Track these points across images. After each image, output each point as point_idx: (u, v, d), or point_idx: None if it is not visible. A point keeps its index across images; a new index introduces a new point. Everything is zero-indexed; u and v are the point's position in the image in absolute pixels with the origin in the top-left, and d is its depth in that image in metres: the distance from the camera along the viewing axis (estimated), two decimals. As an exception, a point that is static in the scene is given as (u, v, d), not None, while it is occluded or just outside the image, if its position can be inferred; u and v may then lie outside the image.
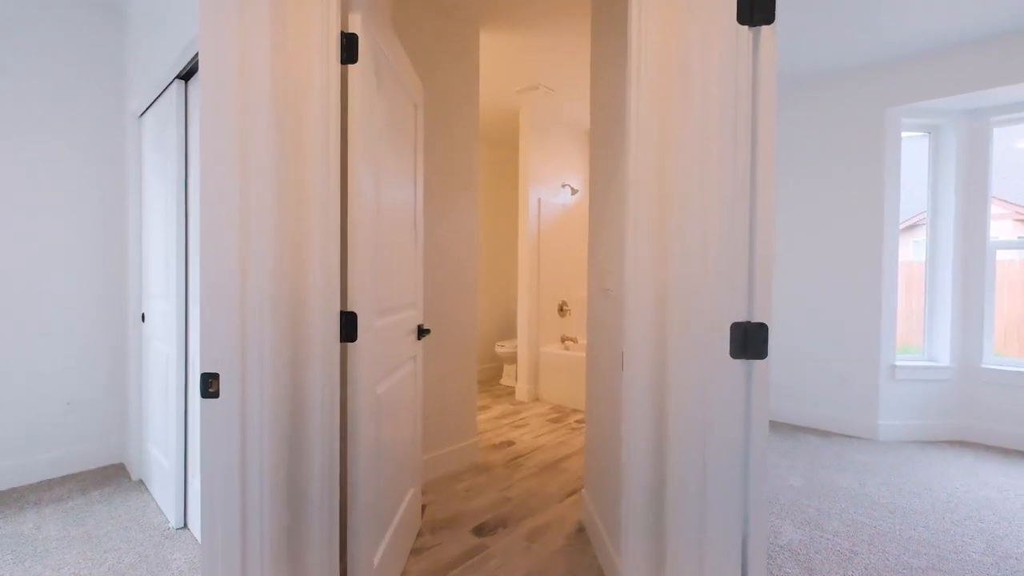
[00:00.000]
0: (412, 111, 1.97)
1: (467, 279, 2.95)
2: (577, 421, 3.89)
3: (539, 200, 4.59)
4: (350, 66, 1.35)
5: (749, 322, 1.10)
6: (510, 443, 3.34)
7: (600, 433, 2.05)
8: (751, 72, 1.13)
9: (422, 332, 2.10)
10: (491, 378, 5.39)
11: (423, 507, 2.37)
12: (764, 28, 1.12)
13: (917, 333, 3.73)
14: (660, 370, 1.22)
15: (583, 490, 2.31)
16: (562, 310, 4.88)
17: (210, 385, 1.03)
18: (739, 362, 1.10)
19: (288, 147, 1.16)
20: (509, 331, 5.73)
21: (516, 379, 4.77)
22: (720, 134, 1.11)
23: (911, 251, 4.34)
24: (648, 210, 1.23)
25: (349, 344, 1.36)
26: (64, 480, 2.58)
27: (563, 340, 4.84)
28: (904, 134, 3.51)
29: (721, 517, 1.12)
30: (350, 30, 1.35)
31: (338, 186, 1.29)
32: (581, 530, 2.18)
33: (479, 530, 2.16)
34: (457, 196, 2.87)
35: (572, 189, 4.93)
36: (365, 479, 1.45)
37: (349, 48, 1.34)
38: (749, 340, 1.10)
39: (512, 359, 4.87)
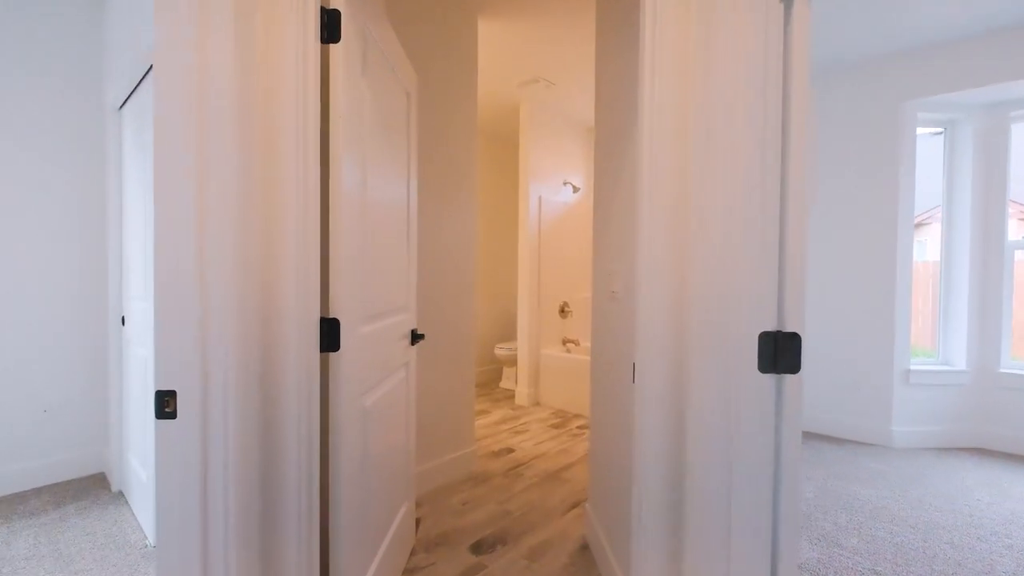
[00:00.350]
0: (405, 100, 1.84)
1: (465, 280, 2.82)
2: (579, 427, 3.76)
3: (540, 198, 4.46)
4: (331, 46, 1.22)
5: (780, 332, 0.97)
6: (510, 450, 3.21)
7: (605, 445, 1.93)
8: (781, 52, 1.00)
9: (416, 337, 1.97)
10: (490, 381, 5.27)
11: (417, 521, 2.24)
12: (797, 1, 1.00)
13: (923, 335, 3.61)
14: (677, 384, 1.09)
15: (587, 504, 2.18)
16: (563, 311, 4.75)
17: (166, 404, 0.91)
18: (768, 377, 0.98)
19: (256, 137, 1.03)
20: (509, 333, 5.60)
21: (516, 382, 4.64)
22: (747, 121, 0.98)
23: (915, 250, 4.20)
24: (664, 206, 1.10)
25: (331, 354, 1.23)
26: (39, 492, 2.45)
27: (564, 342, 4.71)
28: (918, 130, 3.38)
29: (748, 552, 1.00)
30: (331, 6, 1.22)
31: (317, 180, 1.16)
32: (585, 548, 2.05)
33: (476, 547, 2.03)
34: (454, 193, 2.74)
35: (574, 187, 4.80)
36: (349, 502, 1.32)
37: (330, 26, 1.21)
38: (780, 352, 0.97)
39: (512, 362, 4.74)
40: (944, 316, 3.45)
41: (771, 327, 0.97)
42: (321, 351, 1.20)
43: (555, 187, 4.65)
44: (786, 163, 0.98)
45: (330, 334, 1.22)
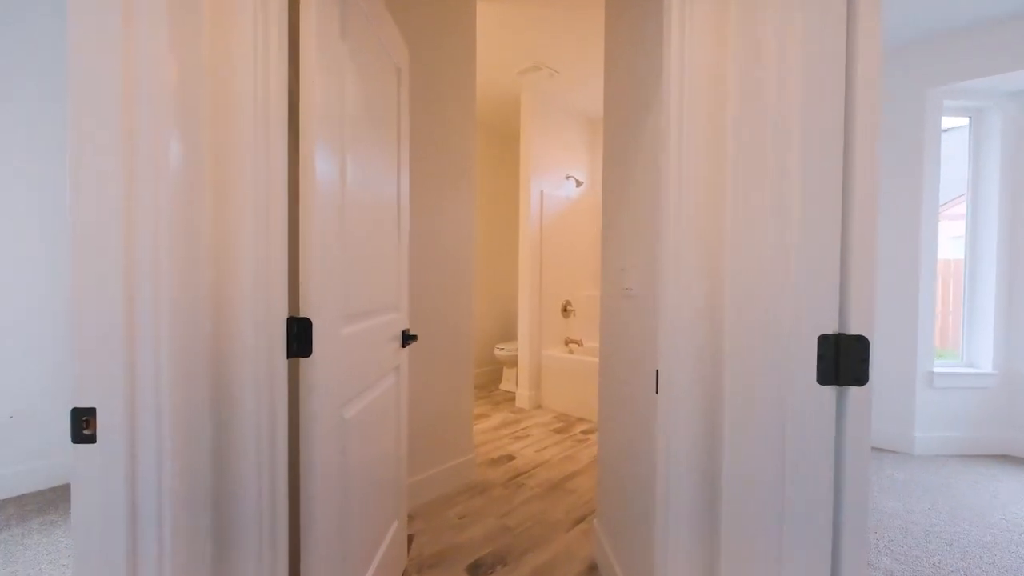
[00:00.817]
0: (394, 76, 1.66)
1: (462, 277, 2.64)
2: (583, 432, 3.58)
3: (541, 192, 4.28)
4: (301, -3, 1.04)
5: (843, 334, 0.80)
6: (510, 458, 3.03)
7: (616, 456, 1.75)
8: (845, 12, 0.83)
9: (408, 338, 1.79)
10: (490, 382, 5.09)
11: (410, 538, 2.06)
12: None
13: (940, 335, 3.43)
14: (712, 397, 0.91)
15: (594, 519, 2.01)
16: (566, 310, 4.57)
17: (85, 424, 0.73)
18: (829, 390, 0.80)
19: (203, 109, 0.85)
20: (509, 332, 5.42)
21: (516, 384, 4.46)
22: (805, 74, 0.80)
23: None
24: (695, 187, 0.93)
25: (302, 360, 1.05)
26: (3, 504, 2.28)
27: (567, 343, 4.53)
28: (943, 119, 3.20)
29: (800, 602, 0.82)
30: (301, -52, 1.04)
31: (283, 161, 0.99)
32: (593, 568, 1.88)
33: (474, 569, 1.85)
34: (452, 184, 2.56)
35: (577, 181, 4.62)
36: (325, 527, 1.14)
37: (300, -28, 1.03)
38: (843, 359, 0.79)
39: (512, 362, 4.57)
40: (968, 315, 3.27)
41: (832, 329, 0.80)
42: (289, 356, 1.02)
43: (557, 181, 4.47)
44: (850, 127, 0.80)
45: (300, 336, 1.04)
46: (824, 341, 0.79)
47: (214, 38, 0.88)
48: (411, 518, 2.24)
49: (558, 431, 3.59)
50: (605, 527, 1.86)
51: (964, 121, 3.27)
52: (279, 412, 0.97)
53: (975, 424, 3.14)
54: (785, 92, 0.81)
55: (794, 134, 0.81)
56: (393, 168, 1.69)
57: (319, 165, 1.09)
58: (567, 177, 4.56)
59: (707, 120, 0.92)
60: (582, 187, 4.71)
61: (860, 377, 0.79)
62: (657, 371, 1.03)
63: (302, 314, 1.05)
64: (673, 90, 0.97)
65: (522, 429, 3.63)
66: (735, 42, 0.88)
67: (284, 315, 0.99)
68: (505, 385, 4.81)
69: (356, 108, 1.32)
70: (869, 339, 0.79)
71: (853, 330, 0.79)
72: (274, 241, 0.96)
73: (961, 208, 3.37)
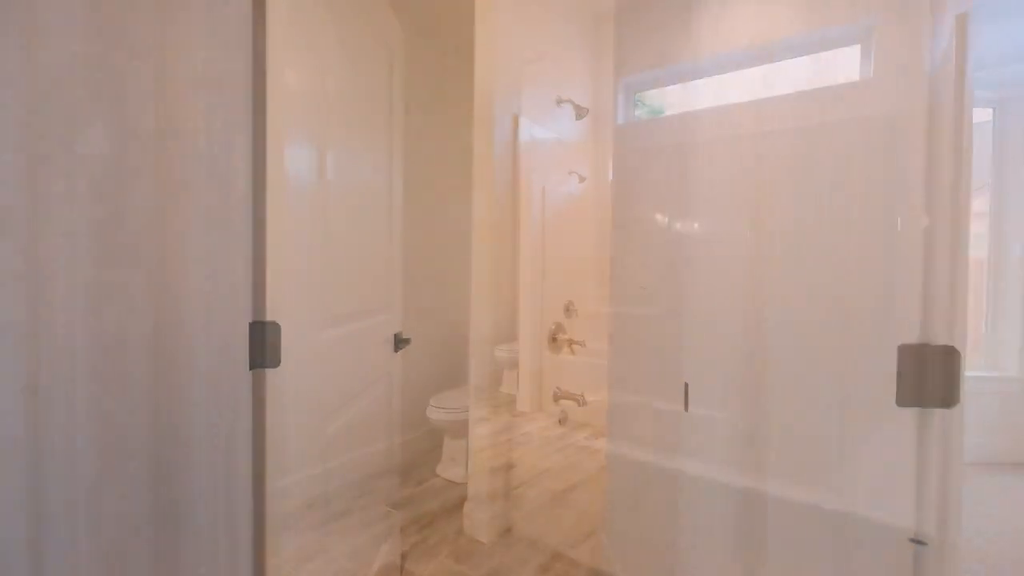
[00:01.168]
0: (385, 56, 1.51)
1: (461, 277, 2.49)
2: (586, 437, 3.43)
3: (543, 189, 4.11)
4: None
5: (927, 345, 0.64)
6: (510, 466, 2.88)
7: (627, 468, 1.60)
8: None
9: (400, 342, 1.64)
10: (488, 385, 4.93)
11: (403, 557, 1.91)
12: None
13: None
14: (754, 417, 0.76)
15: (602, 534, 1.86)
16: (568, 310, 4.41)
17: (-23, 459, 0.58)
18: (910, 413, 0.65)
19: (140, 75, 0.70)
20: (509, 333, 5.27)
21: (517, 387, 4.30)
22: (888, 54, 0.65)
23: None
24: (736, 161, 0.77)
25: (269, 371, 0.90)
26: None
27: (570, 343, 4.37)
28: (965, 109, 3.04)
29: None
30: None
31: (247, 147, 0.84)
32: (602, 591, 1.73)
33: (473, 592, 1.71)
34: (450, 180, 2.41)
35: (580, 177, 4.46)
36: (299, 558, 0.99)
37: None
38: (929, 375, 0.64)
39: (512, 364, 4.40)
40: (992, 317, 3.12)
41: (914, 339, 0.64)
42: (253, 367, 0.86)
43: (560, 177, 4.31)
44: (936, 104, 0.64)
45: (267, 343, 0.89)
46: (905, 353, 0.64)
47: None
48: (404, 533, 2.09)
49: (560, 436, 3.43)
50: (615, 543, 1.71)
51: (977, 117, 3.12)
52: (240, 436, 0.82)
53: (1000, 430, 2.99)
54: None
55: (869, 93, 0.65)
56: (384, 161, 1.54)
57: (291, 154, 0.94)
58: (570, 173, 4.40)
59: (751, 88, 0.77)
60: (585, 183, 4.55)
61: (949, 397, 0.63)
62: (686, 384, 0.87)
63: (269, 317, 0.90)
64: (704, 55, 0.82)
65: (523, 434, 3.47)
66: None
67: (247, 318, 0.84)
68: (505, 388, 4.65)
69: (335, 84, 1.16)
70: (961, 352, 0.63)
71: (940, 340, 0.64)
72: (235, 237, 0.81)
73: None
